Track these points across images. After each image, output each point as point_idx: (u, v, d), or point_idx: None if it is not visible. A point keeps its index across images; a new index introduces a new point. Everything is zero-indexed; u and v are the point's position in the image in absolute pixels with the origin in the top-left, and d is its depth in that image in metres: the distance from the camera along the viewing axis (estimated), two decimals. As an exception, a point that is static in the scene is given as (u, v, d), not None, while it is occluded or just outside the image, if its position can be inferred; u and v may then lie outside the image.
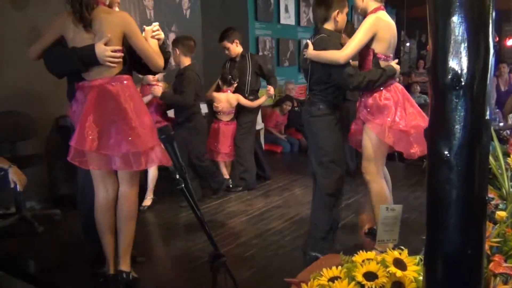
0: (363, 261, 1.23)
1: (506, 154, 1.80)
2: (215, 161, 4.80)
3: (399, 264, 1.18)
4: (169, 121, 4.33)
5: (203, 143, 4.42)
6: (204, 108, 4.92)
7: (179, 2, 5.59)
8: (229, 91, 4.62)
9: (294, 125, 7.10)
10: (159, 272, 2.98)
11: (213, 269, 1.38)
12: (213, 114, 4.75)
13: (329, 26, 2.91)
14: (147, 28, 2.59)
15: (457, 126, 0.90)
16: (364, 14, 2.86)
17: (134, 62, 2.57)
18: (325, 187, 2.92)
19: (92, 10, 2.37)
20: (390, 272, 1.16)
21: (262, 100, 4.79)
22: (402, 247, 1.24)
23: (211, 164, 4.50)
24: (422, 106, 3.16)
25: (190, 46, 4.19)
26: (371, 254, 1.26)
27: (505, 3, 7.53)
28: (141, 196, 3.44)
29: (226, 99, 4.63)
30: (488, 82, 0.91)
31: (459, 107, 0.89)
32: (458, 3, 0.88)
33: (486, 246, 1.12)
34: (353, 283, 1.18)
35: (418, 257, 1.23)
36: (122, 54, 2.44)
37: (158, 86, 4.16)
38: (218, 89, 4.69)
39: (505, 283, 1.14)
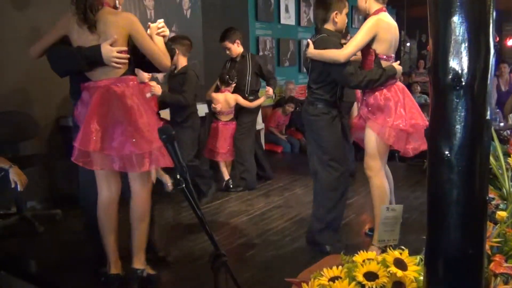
0: (363, 261, 1.23)
1: (506, 154, 1.80)
2: (215, 161, 4.80)
3: (400, 264, 1.18)
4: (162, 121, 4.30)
5: (194, 143, 4.35)
6: (204, 108, 4.92)
7: (180, 2, 5.59)
8: (227, 91, 4.62)
9: (294, 124, 7.10)
10: (159, 272, 2.98)
11: (214, 269, 1.38)
12: (213, 114, 4.75)
13: (329, 26, 2.98)
14: (152, 25, 2.57)
15: (458, 126, 0.90)
16: (366, 15, 2.90)
17: (138, 61, 2.55)
18: (326, 185, 2.99)
19: (96, 12, 2.36)
20: (391, 272, 1.16)
21: (261, 100, 4.79)
22: (402, 247, 1.25)
23: (200, 166, 4.41)
24: (422, 106, 3.18)
25: (188, 45, 4.19)
26: (372, 254, 1.26)
27: (505, 3, 7.53)
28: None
29: (224, 99, 4.62)
30: (488, 82, 0.91)
31: (460, 107, 0.89)
32: (458, 3, 0.88)
33: (487, 246, 1.12)
34: (354, 283, 1.18)
35: (418, 257, 1.23)
36: (128, 56, 2.43)
37: (158, 86, 4.15)
38: (218, 90, 4.69)
39: (506, 283, 1.15)
